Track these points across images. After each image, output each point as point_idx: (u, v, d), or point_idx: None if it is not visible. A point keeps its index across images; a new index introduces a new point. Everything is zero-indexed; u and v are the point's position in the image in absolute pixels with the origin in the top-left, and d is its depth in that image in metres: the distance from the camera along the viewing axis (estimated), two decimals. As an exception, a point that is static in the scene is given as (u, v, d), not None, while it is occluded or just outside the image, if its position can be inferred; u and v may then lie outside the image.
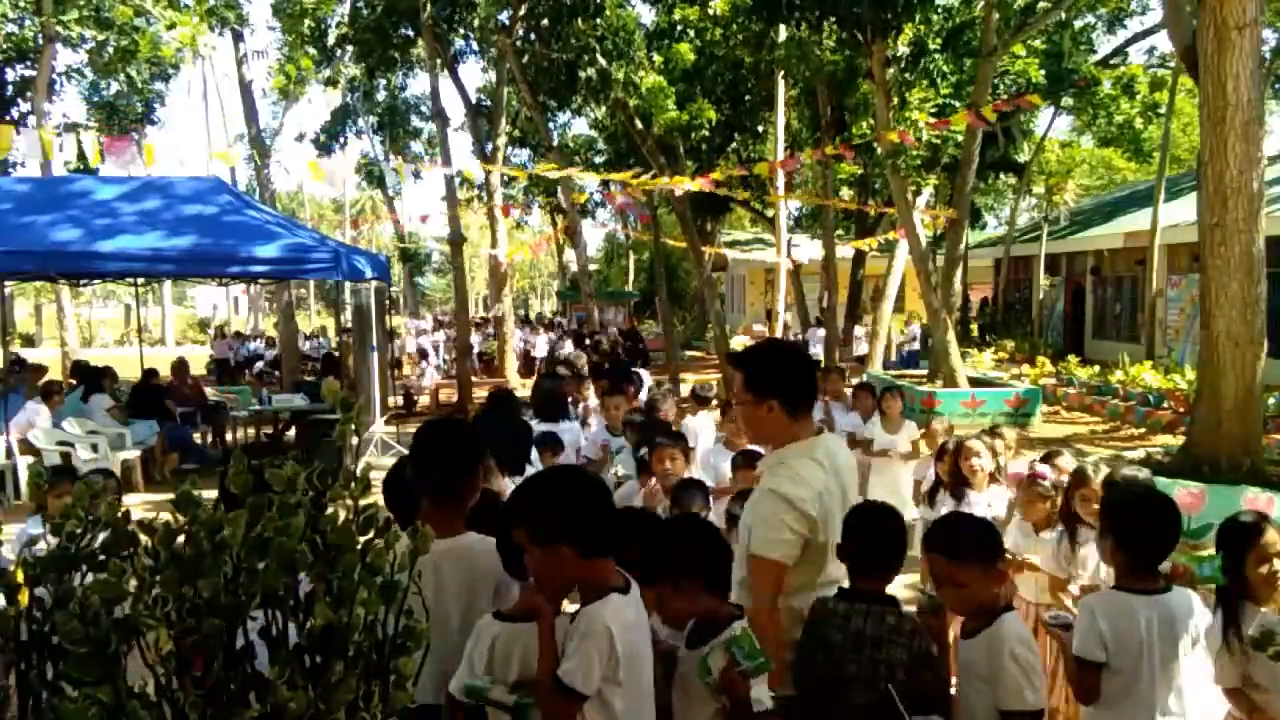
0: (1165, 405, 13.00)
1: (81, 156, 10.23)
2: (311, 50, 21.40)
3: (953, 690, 2.66)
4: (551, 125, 24.80)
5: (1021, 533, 4.18)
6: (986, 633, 2.49)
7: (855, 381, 9.43)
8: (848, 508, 2.71)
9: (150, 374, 12.00)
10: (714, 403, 7.22)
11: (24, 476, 9.13)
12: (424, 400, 17.27)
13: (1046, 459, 4.63)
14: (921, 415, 10.85)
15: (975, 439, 4.99)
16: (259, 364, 23.15)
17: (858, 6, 12.70)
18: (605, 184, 18.03)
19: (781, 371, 2.74)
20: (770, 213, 23.90)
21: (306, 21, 20.42)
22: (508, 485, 4.84)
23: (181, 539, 1.45)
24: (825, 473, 2.64)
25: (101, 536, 1.53)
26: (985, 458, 4.85)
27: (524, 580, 2.46)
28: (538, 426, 6.00)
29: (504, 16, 17.66)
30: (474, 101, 21.92)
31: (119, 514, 1.54)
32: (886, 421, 6.88)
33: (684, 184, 14.73)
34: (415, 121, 36.50)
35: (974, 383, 14.76)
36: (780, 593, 2.54)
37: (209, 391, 13.81)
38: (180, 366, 12.91)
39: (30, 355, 16.85)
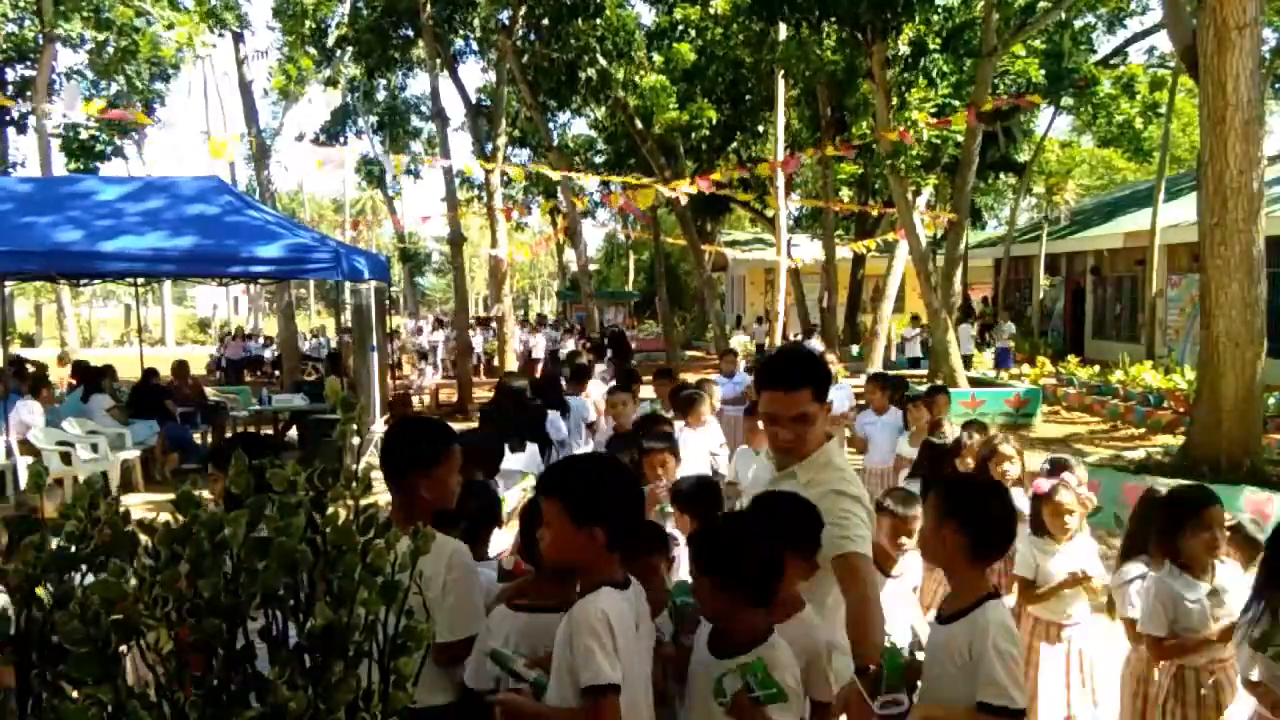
0: (1165, 405, 13.00)
1: (86, 153, 10.26)
2: (311, 50, 21.41)
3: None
4: (551, 125, 24.81)
5: (1035, 548, 3.90)
6: (969, 617, 2.41)
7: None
8: None
9: (150, 373, 11.95)
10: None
11: (24, 477, 9.14)
12: (424, 400, 17.27)
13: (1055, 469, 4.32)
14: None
15: (1006, 442, 4.73)
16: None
17: (858, 6, 12.70)
18: (605, 185, 18.07)
19: (824, 374, 2.85)
20: (770, 213, 23.92)
21: (307, 22, 20.44)
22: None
23: (182, 539, 1.45)
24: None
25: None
26: (1017, 463, 4.59)
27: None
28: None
29: (504, 16, 17.66)
30: (474, 101, 21.91)
31: (119, 514, 1.54)
32: (916, 436, 6.35)
33: (682, 186, 14.73)
34: (415, 121, 36.48)
35: (974, 383, 14.77)
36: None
37: (209, 391, 13.82)
38: (180, 367, 12.91)
39: (30, 355, 16.82)
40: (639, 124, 18.25)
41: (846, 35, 14.79)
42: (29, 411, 9.59)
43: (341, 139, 32.35)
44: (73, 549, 1.49)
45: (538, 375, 11.17)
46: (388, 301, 15.40)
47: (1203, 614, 3.19)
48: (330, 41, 20.83)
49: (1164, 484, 7.31)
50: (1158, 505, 3.58)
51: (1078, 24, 21.04)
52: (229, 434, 12.63)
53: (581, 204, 22.29)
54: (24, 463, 9.20)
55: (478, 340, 22.29)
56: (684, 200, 15.79)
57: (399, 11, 17.53)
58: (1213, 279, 7.97)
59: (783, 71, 18.64)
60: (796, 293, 25.49)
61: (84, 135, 19.18)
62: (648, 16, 20.66)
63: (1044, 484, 3.96)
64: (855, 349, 24.09)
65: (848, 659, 2.43)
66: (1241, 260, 7.81)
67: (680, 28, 18.98)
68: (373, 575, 1.53)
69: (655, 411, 6.07)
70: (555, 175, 16.86)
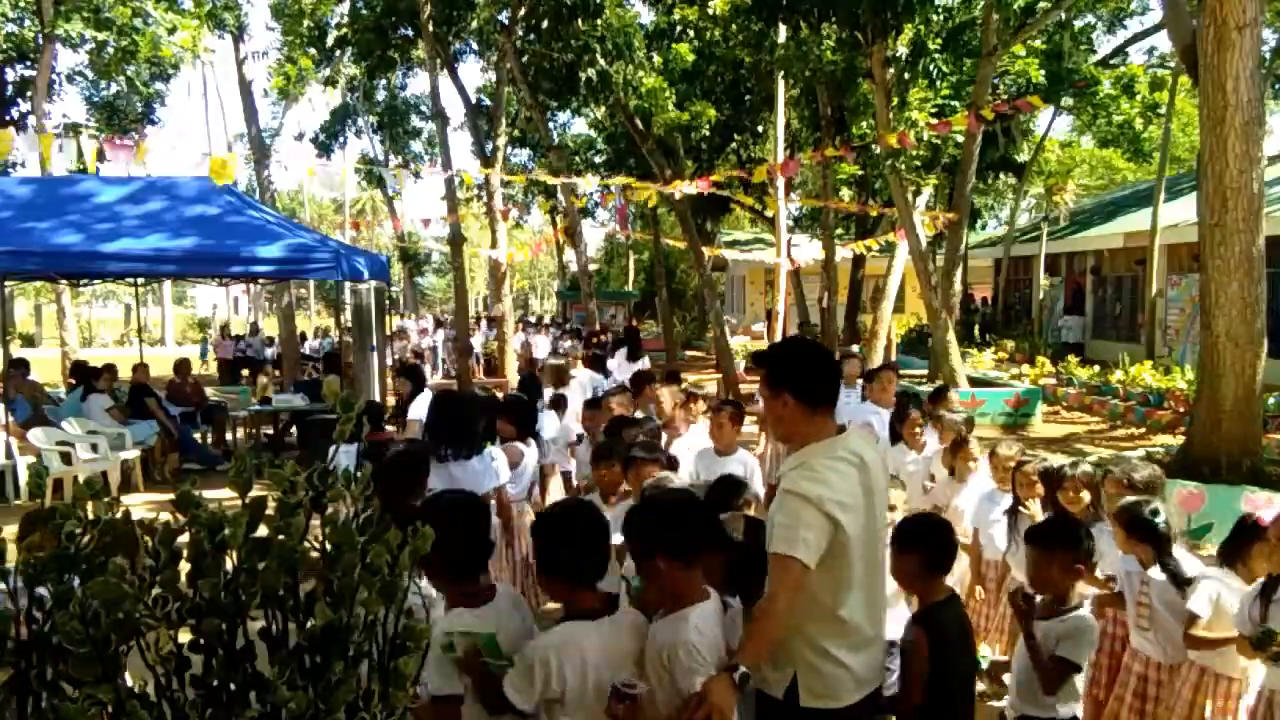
0: (1165, 405, 13.00)
1: (80, 159, 10.24)
2: (311, 50, 21.42)
3: None
4: (551, 125, 24.81)
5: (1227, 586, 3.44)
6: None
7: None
8: (880, 509, 2.73)
9: (137, 369, 11.45)
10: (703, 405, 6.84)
11: (24, 476, 9.14)
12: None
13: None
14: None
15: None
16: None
17: (857, 6, 12.69)
18: (605, 188, 18.07)
19: (796, 364, 2.75)
20: (770, 213, 23.95)
21: (305, 22, 20.45)
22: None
23: (183, 538, 1.45)
24: (853, 470, 2.62)
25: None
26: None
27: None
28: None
29: (504, 16, 17.67)
30: (474, 101, 21.92)
31: (119, 514, 1.54)
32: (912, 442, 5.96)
33: (681, 187, 14.71)
34: (415, 121, 36.50)
35: (974, 383, 14.76)
36: (797, 593, 2.51)
37: (209, 391, 13.80)
38: (181, 366, 12.89)
39: (30, 355, 16.79)
40: (639, 124, 18.23)
41: (846, 35, 14.76)
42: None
43: (341, 139, 32.40)
44: (73, 549, 1.49)
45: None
46: (387, 301, 15.40)
47: None
48: (330, 42, 20.84)
49: (1164, 483, 7.34)
50: None
51: (1078, 24, 21.03)
52: (228, 434, 12.64)
53: (580, 203, 22.29)
54: (24, 462, 9.22)
55: (478, 340, 22.30)
56: (678, 196, 15.78)
57: (399, 11, 17.53)
58: (1213, 279, 7.97)
59: (783, 71, 18.61)
60: (796, 293, 25.47)
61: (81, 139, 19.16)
62: (647, 17, 20.65)
63: (1267, 514, 3.54)
64: (855, 349, 24.08)
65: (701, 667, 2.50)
66: (1241, 260, 7.80)
67: (680, 28, 18.95)
68: (372, 575, 1.53)
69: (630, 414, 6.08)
70: (554, 180, 16.88)
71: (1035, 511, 4.42)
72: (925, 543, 3.00)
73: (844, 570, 2.58)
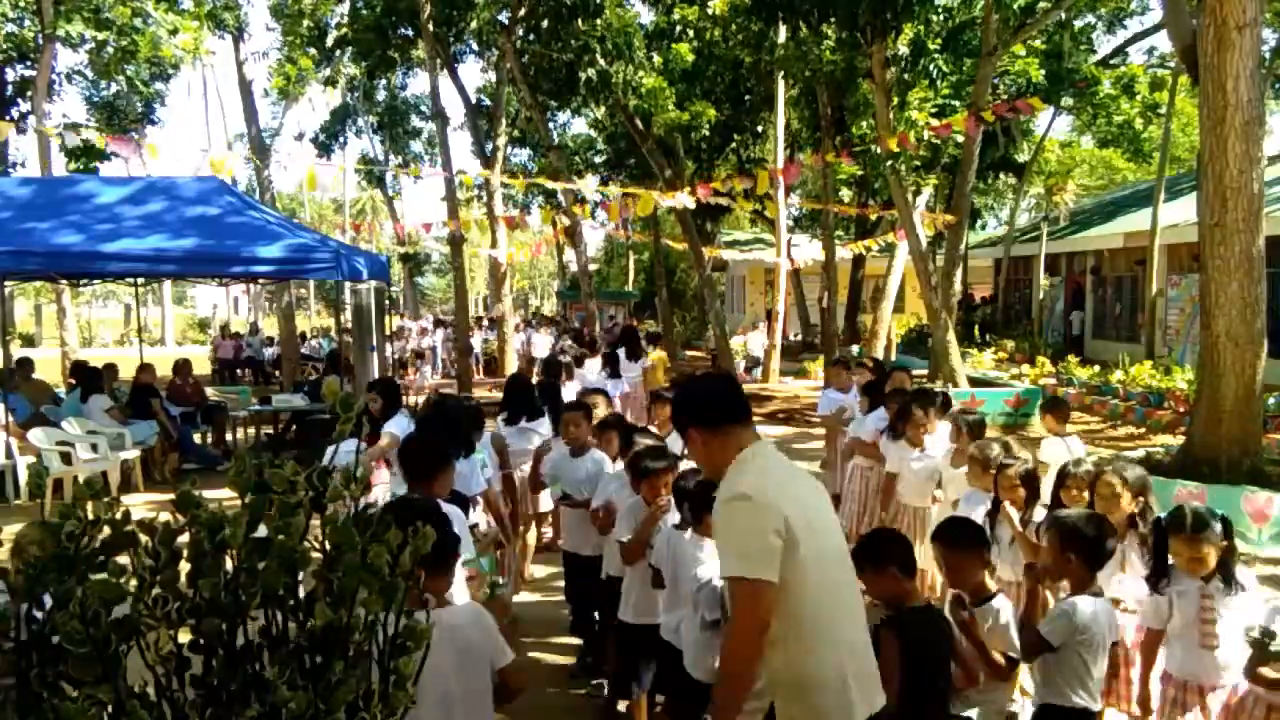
0: (1165, 405, 13.00)
1: (86, 153, 10.26)
2: (311, 50, 21.43)
3: None
4: (551, 125, 24.81)
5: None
6: None
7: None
8: (820, 512, 2.50)
9: (142, 369, 11.50)
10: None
11: (24, 476, 9.14)
12: (421, 400, 17.26)
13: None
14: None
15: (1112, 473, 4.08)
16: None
17: (857, 7, 12.69)
18: (605, 196, 18.11)
19: (690, 400, 2.75)
20: (770, 213, 23.96)
21: (305, 22, 20.45)
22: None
23: (183, 539, 1.45)
24: (782, 469, 2.52)
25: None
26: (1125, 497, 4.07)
27: None
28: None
29: (504, 17, 17.67)
30: (474, 101, 21.93)
31: (119, 514, 1.54)
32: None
33: (680, 195, 14.74)
34: (415, 121, 36.49)
35: (974, 383, 14.76)
36: (766, 617, 2.24)
37: (209, 391, 13.79)
38: (182, 366, 12.88)
39: (30, 355, 16.75)
40: (639, 124, 18.24)
41: (846, 35, 14.76)
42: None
43: (341, 139, 32.42)
44: (73, 549, 1.49)
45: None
46: (387, 301, 15.42)
47: None
48: (330, 42, 20.84)
49: (1165, 483, 7.34)
50: None
51: (1078, 24, 21.03)
52: (228, 434, 12.63)
53: (584, 213, 22.29)
54: (24, 462, 9.21)
55: (477, 340, 22.30)
56: (678, 207, 15.81)
57: (399, 11, 17.53)
58: (1213, 279, 7.97)
59: (782, 71, 18.62)
60: (796, 293, 25.48)
61: (84, 135, 19.16)
62: (647, 17, 20.67)
63: None
64: (855, 348, 24.09)
65: None
66: (1241, 260, 7.80)
67: (679, 28, 18.96)
68: (372, 575, 1.53)
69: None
70: (554, 185, 16.92)
71: (1014, 515, 4.35)
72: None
73: (802, 572, 2.28)
